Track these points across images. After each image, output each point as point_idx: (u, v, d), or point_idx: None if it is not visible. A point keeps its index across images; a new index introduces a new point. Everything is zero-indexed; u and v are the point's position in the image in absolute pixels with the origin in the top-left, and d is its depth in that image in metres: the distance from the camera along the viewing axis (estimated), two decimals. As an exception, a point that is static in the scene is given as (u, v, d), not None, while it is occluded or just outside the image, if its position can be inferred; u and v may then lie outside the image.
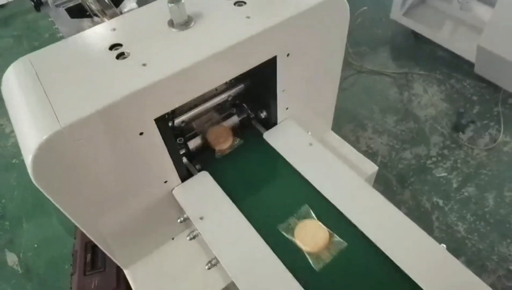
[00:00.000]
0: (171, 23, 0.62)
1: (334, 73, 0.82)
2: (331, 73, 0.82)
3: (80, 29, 1.19)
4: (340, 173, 0.68)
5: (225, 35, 0.59)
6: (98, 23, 1.20)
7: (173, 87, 0.55)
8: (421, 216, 1.53)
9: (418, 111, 1.90)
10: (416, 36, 2.18)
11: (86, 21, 1.22)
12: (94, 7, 1.20)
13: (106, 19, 1.17)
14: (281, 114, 0.78)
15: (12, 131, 2.06)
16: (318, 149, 0.73)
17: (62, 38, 1.15)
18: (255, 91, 0.76)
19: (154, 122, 0.57)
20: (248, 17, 0.62)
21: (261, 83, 0.71)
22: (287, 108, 0.78)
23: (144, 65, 0.55)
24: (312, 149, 0.73)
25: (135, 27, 0.63)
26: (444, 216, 1.52)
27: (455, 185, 1.61)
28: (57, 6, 1.05)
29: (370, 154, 1.72)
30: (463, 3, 2.02)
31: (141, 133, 0.56)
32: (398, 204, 1.55)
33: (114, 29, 0.63)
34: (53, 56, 0.61)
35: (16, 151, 1.95)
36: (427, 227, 1.48)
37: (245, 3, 0.66)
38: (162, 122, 0.58)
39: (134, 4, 1.25)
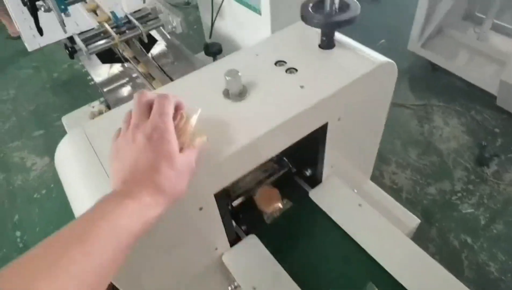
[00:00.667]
0: (226, 94, 0.62)
1: (379, 127, 0.82)
2: (376, 128, 0.82)
3: (110, 74, 1.22)
4: (395, 241, 0.67)
5: (281, 108, 0.59)
6: (129, 68, 1.22)
7: (232, 164, 0.55)
8: (450, 255, 1.50)
9: (440, 144, 1.89)
10: (434, 67, 2.19)
11: (117, 66, 1.23)
12: (126, 53, 1.21)
13: (136, 65, 1.19)
14: (326, 171, 0.78)
15: (34, 164, 2.07)
16: (368, 211, 0.72)
17: (90, 79, 1.17)
18: (301, 151, 0.76)
19: (213, 197, 0.56)
20: (302, 87, 0.62)
21: (309, 145, 0.70)
22: (332, 166, 0.78)
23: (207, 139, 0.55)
24: (362, 211, 0.72)
25: (189, 96, 0.63)
26: (474, 255, 1.49)
27: (483, 222, 1.58)
28: (90, 53, 1.07)
29: (395, 190, 1.71)
30: (480, 33, 2.03)
31: (200, 208, 0.56)
32: (425, 242, 1.53)
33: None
34: (107, 126, 0.61)
35: (38, 185, 1.96)
36: (457, 266, 1.45)
37: (296, 70, 0.66)
38: (221, 195, 0.57)
39: (163, 47, 1.27)
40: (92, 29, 1.29)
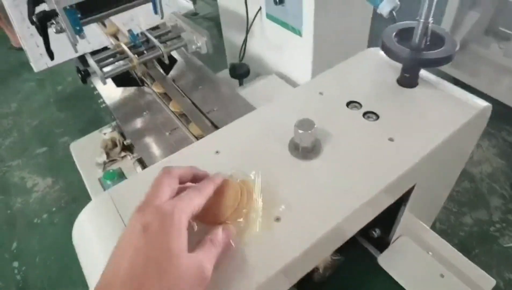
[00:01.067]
0: (293, 147, 0.49)
1: (456, 175, 0.69)
2: (454, 176, 0.69)
3: (126, 98, 1.08)
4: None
5: (372, 170, 0.46)
6: (147, 93, 1.09)
7: (300, 264, 0.41)
8: (494, 297, 1.36)
9: (472, 169, 1.76)
10: (457, 83, 2.07)
11: (132, 89, 1.10)
12: (142, 74, 1.08)
13: (155, 88, 1.06)
14: (397, 232, 0.64)
15: (35, 185, 1.93)
16: (453, 284, 0.59)
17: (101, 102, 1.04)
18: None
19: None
20: (391, 140, 0.49)
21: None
22: (405, 225, 0.64)
23: (277, 220, 0.41)
24: (445, 283, 0.59)
25: (244, 150, 0.50)
26: (522, 297, 1.35)
27: (528, 259, 1.45)
28: (106, 78, 0.94)
29: (430, 221, 1.57)
30: (507, 49, 1.93)
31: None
32: (466, 281, 1.39)
33: (217, 152, 0.50)
34: (139, 191, 0.48)
35: (39, 209, 1.81)
36: (504, 310, 1.31)
37: (377, 115, 0.53)
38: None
39: (184, 68, 1.14)
40: (105, 48, 1.16)
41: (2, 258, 1.63)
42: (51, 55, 0.85)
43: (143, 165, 0.94)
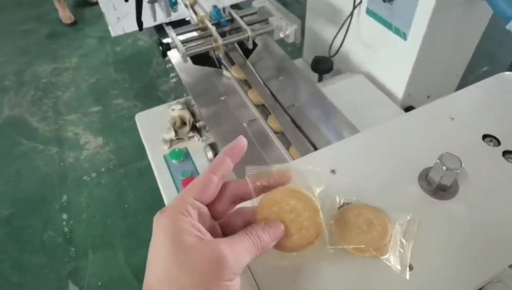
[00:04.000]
0: (426, 182, 0.43)
1: None
2: None
3: (202, 78, 1.05)
4: None
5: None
6: (225, 76, 1.04)
7: None
8: None
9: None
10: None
11: (210, 70, 1.06)
12: (223, 60, 1.04)
13: (234, 73, 1.01)
14: None
15: (87, 142, 1.98)
16: None
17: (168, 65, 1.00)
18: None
19: None
20: (540, 193, 0.42)
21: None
22: None
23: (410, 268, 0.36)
24: None
25: (364, 174, 0.45)
26: None
27: None
28: (187, 55, 0.90)
29: None
30: None
31: None
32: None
33: (333, 171, 0.45)
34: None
35: (88, 167, 1.86)
36: None
37: (519, 157, 0.46)
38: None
39: (264, 55, 1.08)
40: (183, 20, 1.12)
41: (53, 209, 1.69)
42: (140, 25, 0.82)
43: (215, 151, 0.91)
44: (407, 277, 0.35)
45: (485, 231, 0.40)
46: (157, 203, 0.78)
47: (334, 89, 0.97)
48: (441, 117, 0.51)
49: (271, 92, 0.93)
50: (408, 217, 0.39)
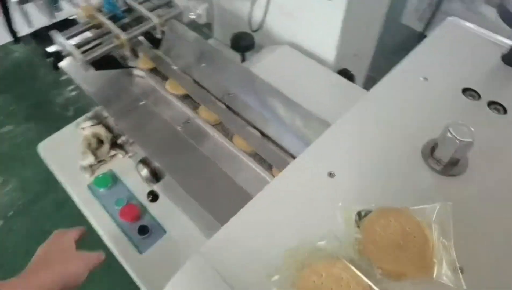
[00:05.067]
0: (429, 158, 0.37)
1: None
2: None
3: (111, 84, 0.87)
4: None
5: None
6: (138, 76, 0.88)
7: None
8: None
9: None
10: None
11: (119, 73, 0.89)
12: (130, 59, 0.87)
13: (142, 65, 0.86)
14: None
15: None
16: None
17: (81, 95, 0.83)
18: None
19: None
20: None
21: None
22: None
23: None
24: None
25: (370, 170, 0.37)
26: None
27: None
28: (87, 62, 0.73)
29: None
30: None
31: None
32: None
33: (331, 174, 0.37)
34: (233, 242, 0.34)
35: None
36: None
37: (504, 108, 0.43)
38: None
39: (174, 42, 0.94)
40: (66, 20, 0.91)
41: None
42: (14, 34, 0.62)
43: (150, 167, 0.76)
44: (464, 286, 0.29)
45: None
46: (91, 238, 0.63)
47: (264, 66, 0.88)
48: (415, 79, 0.46)
49: (198, 82, 0.81)
50: (438, 207, 0.32)
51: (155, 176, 0.76)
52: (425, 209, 0.32)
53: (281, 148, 0.70)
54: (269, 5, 0.89)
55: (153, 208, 0.77)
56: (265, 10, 0.90)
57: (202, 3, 0.81)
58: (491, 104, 0.43)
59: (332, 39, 0.88)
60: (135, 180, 0.80)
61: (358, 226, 0.32)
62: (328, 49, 0.92)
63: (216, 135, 0.76)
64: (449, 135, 0.34)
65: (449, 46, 0.51)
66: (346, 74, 0.92)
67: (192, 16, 0.84)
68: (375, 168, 0.37)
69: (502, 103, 0.43)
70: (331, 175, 0.37)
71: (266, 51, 0.96)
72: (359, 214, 0.33)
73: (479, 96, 0.44)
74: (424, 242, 0.30)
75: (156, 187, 0.79)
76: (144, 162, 0.78)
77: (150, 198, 0.78)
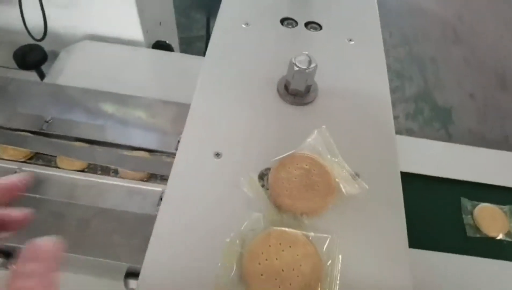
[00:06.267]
0: (284, 92, 0.39)
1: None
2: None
3: None
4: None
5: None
6: None
7: None
8: None
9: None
10: None
11: None
12: None
13: None
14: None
15: None
16: None
17: None
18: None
19: None
20: (349, 40, 0.45)
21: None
22: None
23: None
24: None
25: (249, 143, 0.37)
26: None
27: None
28: None
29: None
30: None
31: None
32: None
33: (218, 155, 0.35)
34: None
35: None
36: None
37: (319, 25, 0.47)
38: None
39: None
40: None
41: None
42: None
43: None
44: (366, 186, 0.33)
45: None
46: None
47: (69, 72, 0.75)
48: (230, 25, 0.46)
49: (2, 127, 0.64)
50: (316, 133, 0.35)
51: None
52: (309, 143, 0.34)
53: (134, 148, 0.63)
54: (42, 3, 0.74)
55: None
56: (41, 11, 0.75)
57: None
58: (307, 24, 0.47)
59: (131, 15, 0.81)
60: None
61: (267, 188, 0.32)
62: (132, 27, 0.84)
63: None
64: (295, 68, 0.36)
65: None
66: (162, 45, 0.87)
67: None
68: (249, 130, 0.37)
69: (316, 21, 0.47)
70: (218, 155, 0.35)
71: (63, 56, 0.82)
72: (261, 177, 0.33)
73: (296, 22, 0.47)
74: (324, 172, 0.32)
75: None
76: None
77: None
